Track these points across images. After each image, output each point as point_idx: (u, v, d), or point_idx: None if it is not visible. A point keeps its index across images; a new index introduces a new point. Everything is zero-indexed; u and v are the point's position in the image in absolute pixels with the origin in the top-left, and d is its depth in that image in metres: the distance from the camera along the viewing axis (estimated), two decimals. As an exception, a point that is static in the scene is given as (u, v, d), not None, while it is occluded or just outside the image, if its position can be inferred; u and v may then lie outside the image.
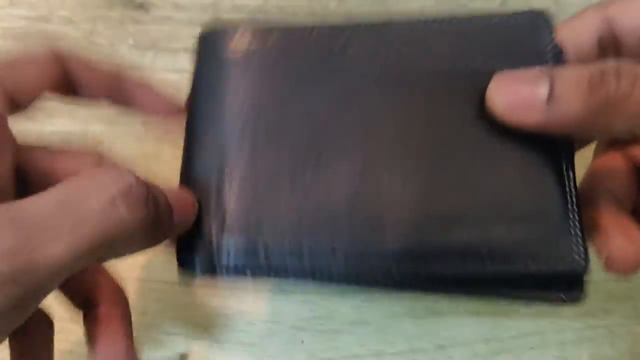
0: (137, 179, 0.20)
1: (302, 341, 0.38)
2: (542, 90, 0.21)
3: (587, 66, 0.21)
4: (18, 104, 0.23)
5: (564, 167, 0.23)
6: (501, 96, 0.22)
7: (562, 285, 0.24)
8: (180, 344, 0.38)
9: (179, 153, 0.27)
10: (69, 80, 0.25)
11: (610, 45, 0.26)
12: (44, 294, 0.18)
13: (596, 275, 0.38)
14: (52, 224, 0.18)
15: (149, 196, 0.20)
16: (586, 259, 0.23)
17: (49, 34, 0.41)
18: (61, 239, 0.18)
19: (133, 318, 0.28)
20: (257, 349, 0.37)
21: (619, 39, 0.26)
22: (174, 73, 0.41)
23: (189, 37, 0.41)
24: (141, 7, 0.42)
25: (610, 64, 0.21)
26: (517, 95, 0.21)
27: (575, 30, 0.25)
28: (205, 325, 0.38)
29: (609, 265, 0.24)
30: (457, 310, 0.38)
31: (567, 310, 0.38)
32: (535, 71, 0.22)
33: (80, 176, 0.19)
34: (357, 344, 0.37)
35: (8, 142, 0.22)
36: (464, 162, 0.23)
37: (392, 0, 0.42)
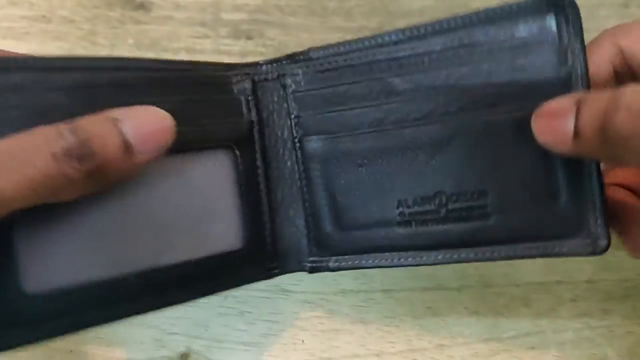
0: (77, 138, 0.23)
1: (302, 341, 0.38)
2: (569, 127, 0.25)
3: (604, 98, 0.24)
4: None
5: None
6: (541, 135, 0.26)
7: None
8: (180, 343, 0.38)
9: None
10: None
11: (625, 72, 0.30)
12: None
13: (596, 275, 0.38)
14: (4, 164, 0.22)
15: (85, 153, 0.23)
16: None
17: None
18: (9, 178, 0.22)
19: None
20: (257, 348, 0.37)
21: (632, 68, 0.29)
22: (174, 73, 0.41)
23: (190, 37, 0.41)
24: (141, 7, 0.42)
25: (624, 96, 0.23)
26: (550, 133, 0.26)
27: (591, 60, 0.28)
28: (205, 325, 0.38)
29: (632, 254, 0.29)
30: (457, 310, 0.38)
31: (567, 310, 0.38)
32: (564, 104, 0.25)
33: (30, 132, 0.23)
34: (357, 343, 0.38)
35: None
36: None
37: (392, 0, 0.42)
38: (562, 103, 0.25)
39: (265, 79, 0.31)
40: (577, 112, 0.24)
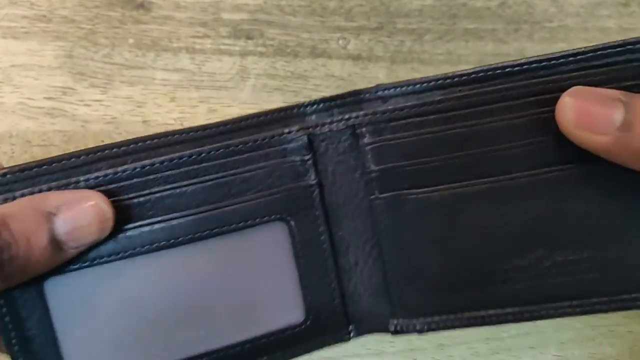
0: None
1: (303, 340, 0.38)
2: (617, 116, 0.21)
3: None
4: None
5: None
6: (573, 112, 0.22)
7: None
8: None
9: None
10: None
11: None
12: None
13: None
14: None
15: (4, 259, 0.21)
16: None
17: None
18: None
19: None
20: (258, 348, 0.37)
21: None
22: (175, 73, 0.41)
23: (190, 37, 0.41)
24: (142, 6, 0.42)
25: None
26: (590, 114, 0.22)
27: None
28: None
29: None
30: (457, 310, 0.38)
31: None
32: (612, 93, 0.22)
33: None
34: (357, 343, 0.38)
35: None
36: None
37: (393, 0, 0.42)
38: (608, 92, 0.22)
39: (329, 131, 0.27)
40: (626, 108, 0.22)
